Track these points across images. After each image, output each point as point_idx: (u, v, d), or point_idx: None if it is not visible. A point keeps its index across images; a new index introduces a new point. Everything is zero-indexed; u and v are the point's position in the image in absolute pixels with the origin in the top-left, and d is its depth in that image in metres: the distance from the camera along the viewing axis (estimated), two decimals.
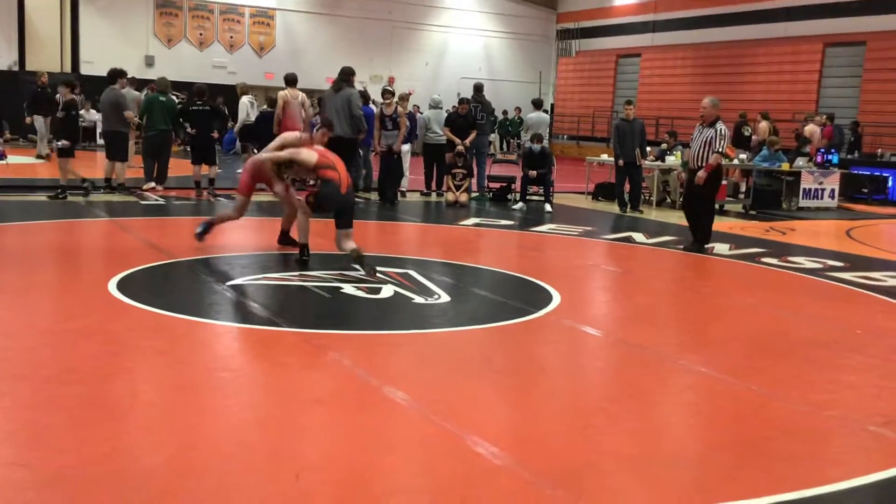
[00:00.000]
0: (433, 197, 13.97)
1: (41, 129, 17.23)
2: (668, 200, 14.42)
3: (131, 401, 4.17)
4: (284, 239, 8.25)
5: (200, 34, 26.90)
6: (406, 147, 13.49)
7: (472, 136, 13.49)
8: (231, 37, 27.24)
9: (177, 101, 13.70)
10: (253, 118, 15.35)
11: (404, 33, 30.16)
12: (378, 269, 7.16)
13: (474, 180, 13.82)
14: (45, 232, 9.20)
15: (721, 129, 9.43)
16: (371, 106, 14.18)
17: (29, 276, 6.94)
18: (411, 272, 7.39)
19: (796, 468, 3.61)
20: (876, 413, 4.37)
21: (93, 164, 13.03)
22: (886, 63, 21.63)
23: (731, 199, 14.97)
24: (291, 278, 7.01)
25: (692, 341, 6.04)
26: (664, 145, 15.30)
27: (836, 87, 23.30)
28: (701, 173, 9.37)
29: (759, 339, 5.86)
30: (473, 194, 13.77)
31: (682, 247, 9.66)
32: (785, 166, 14.79)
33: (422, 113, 16.96)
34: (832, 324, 6.45)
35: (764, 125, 17.64)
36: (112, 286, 6.36)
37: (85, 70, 24.04)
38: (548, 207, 13.04)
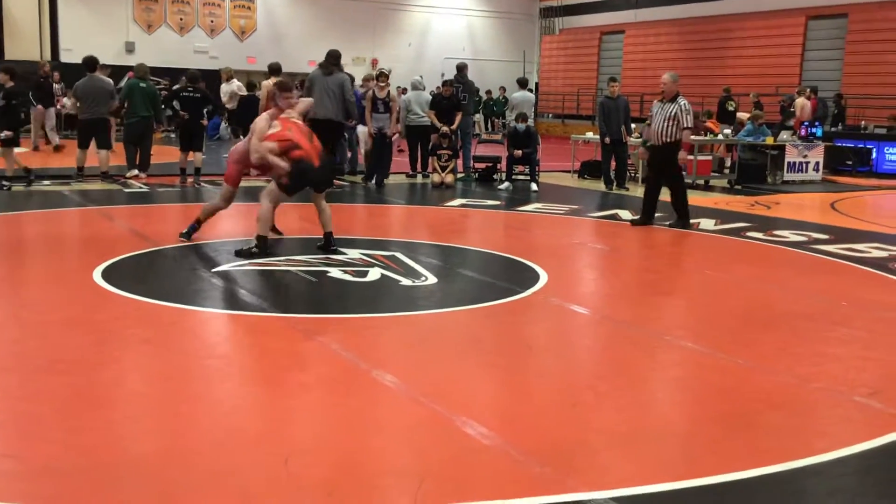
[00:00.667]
0: (419, 178, 13.94)
1: None
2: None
3: (119, 390, 4.17)
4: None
5: (181, 19, 26.61)
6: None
7: (458, 118, 13.45)
8: (212, 21, 26.97)
9: (157, 87, 13.53)
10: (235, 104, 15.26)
11: (387, 14, 29.92)
12: (365, 252, 7.13)
13: (460, 161, 13.80)
14: (28, 222, 9.13)
15: (684, 104, 9.47)
16: (358, 89, 14.05)
17: (13, 267, 6.91)
18: (398, 254, 7.38)
19: (783, 440, 3.65)
20: (861, 384, 4.41)
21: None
22: (868, 35, 21.61)
23: (716, 174, 15.00)
24: (278, 263, 6.99)
25: (679, 317, 6.08)
26: (649, 122, 15.26)
27: (819, 60, 23.29)
28: (682, 154, 9.54)
29: (746, 313, 5.89)
30: (459, 175, 13.74)
31: (668, 223, 9.69)
32: (769, 140, 14.81)
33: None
34: (818, 296, 6.49)
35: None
36: (97, 275, 6.34)
37: (65, 58, 23.72)
38: (534, 186, 13.06)
